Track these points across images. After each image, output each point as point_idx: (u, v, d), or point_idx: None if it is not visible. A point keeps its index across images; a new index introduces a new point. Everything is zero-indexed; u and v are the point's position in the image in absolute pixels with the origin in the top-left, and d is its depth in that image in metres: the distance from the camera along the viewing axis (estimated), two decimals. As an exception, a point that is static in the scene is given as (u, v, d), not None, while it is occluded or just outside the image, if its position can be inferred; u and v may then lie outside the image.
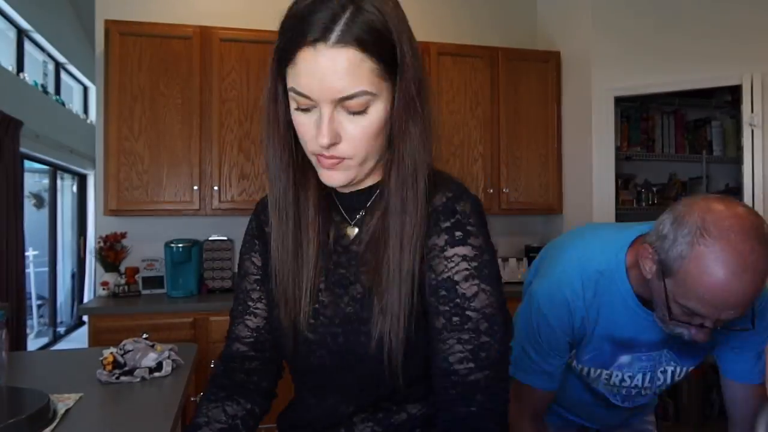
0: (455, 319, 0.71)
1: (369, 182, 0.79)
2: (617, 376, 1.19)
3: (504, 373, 0.73)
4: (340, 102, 0.67)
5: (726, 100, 3.81)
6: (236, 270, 3.42)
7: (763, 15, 2.94)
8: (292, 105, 0.71)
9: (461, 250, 0.72)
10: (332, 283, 0.79)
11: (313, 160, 0.74)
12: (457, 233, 0.73)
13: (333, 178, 0.73)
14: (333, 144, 0.69)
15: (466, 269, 0.72)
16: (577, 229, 1.31)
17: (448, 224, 0.73)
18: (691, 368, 1.20)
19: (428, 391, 0.78)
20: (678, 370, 1.19)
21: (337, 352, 0.78)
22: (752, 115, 2.88)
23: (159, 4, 3.34)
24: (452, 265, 0.72)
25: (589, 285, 1.10)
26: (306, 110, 0.70)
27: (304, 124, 0.71)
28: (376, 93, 0.68)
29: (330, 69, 0.65)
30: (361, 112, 0.68)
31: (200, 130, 3.06)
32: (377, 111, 0.69)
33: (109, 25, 2.98)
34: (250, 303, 0.88)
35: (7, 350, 1.43)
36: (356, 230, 0.80)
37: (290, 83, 0.69)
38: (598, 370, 1.19)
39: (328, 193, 0.81)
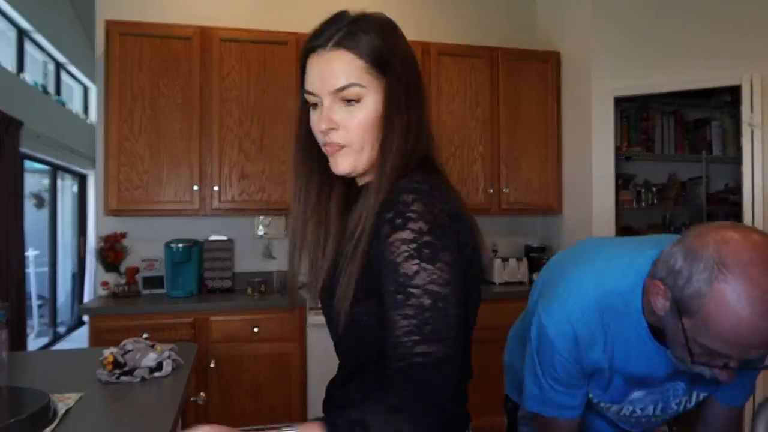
0: (399, 296, 0.74)
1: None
2: (628, 408, 1.15)
3: (454, 350, 0.73)
4: (337, 93, 0.83)
5: (726, 100, 3.81)
6: (235, 270, 3.37)
7: (763, 15, 2.94)
8: (311, 108, 0.89)
9: (400, 234, 0.76)
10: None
11: (326, 152, 0.88)
12: (398, 221, 0.77)
13: (337, 164, 0.87)
14: (330, 129, 0.84)
15: (406, 251, 0.75)
16: (581, 246, 1.24)
17: (390, 215, 0.78)
18: (704, 395, 1.13)
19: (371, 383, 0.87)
20: (693, 397, 1.14)
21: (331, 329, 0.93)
22: (752, 115, 2.88)
23: (159, 5, 3.34)
24: (393, 248, 0.76)
25: (604, 319, 1.04)
26: (315, 106, 0.87)
27: (313, 120, 0.87)
28: (366, 86, 0.83)
29: (327, 67, 0.83)
30: (356, 100, 0.83)
31: (200, 130, 3.06)
32: (369, 103, 0.84)
33: (110, 25, 2.98)
34: None
35: (7, 350, 1.44)
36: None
37: (305, 87, 0.87)
38: (609, 404, 1.14)
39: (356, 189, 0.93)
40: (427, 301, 0.73)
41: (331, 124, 0.84)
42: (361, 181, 0.92)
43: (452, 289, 0.75)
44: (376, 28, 0.84)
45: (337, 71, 0.82)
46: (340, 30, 0.83)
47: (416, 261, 0.74)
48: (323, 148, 0.88)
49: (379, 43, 0.83)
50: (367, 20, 0.85)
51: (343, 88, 0.82)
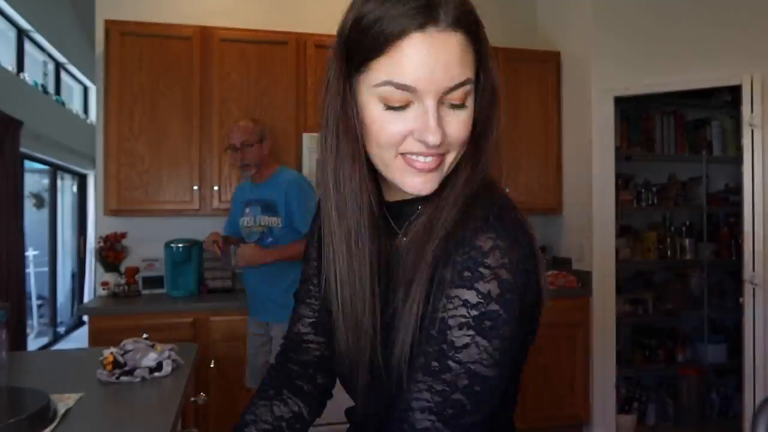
0: (434, 363, 0.62)
1: None
2: (244, 220, 2.51)
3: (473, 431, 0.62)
4: (446, 94, 0.62)
5: (726, 100, 3.81)
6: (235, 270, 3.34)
7: (763, 15, 2.94)
8: (376, 105, 0.64)
9: (464, 293, 0.62)
10: (382, 295, 0.74)
11: (393, 163, 0.67)
12: (466, 274, 0.62)
13: (425, 184, 0.66)
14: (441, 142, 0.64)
15: (463, 317, 0.62)
16: None
17: (459, 258, 0.63)
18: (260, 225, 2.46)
19: None
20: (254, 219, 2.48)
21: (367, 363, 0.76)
22: (752, 116, 2.88)
23: (159, 4, 3.34)
24: (450, 305, 0.62)
25: None
26: (399, 108, 0.63)
27: (392, 122, 0.64)
28: (473, 83, 0.65)
29: (443, 55, 0.60)
30: (461, 105, 0.64)
31: (200, 130, 3.06)
32: (471, 103, 0.65)
33: (109, 25, 2.98)
34: (311, 286, 0.89)
35: (7, 350, 1.44)
36: (404, 240, 0.73)
37: (385, 76, 0.62)
38: (242, 218, 2.54)
39: (377, 203, 0.74)
40: (463, 382, 0.61)
41: (443, 135, 0.63)
42: (401, 195, 0.73)
43: (499, 369, 0.63)
44: (468, 2, 0.65)
45: (454, 62, 0.61)
46: (451, 1, 0.61)
47: (471, 333, 0.61)
48: (399, 161, 0.66)
49: (479, 20, 0.65)
50: None
51: (456, 87, 0.62)
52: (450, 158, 0.67)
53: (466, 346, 0.61)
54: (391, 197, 0.75)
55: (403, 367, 0.66)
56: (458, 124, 0.64)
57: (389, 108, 0.64)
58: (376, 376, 0.73)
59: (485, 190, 0.69)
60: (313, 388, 0.87)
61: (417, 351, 0.65)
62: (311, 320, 0.89)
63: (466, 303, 0.62)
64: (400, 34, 0.60)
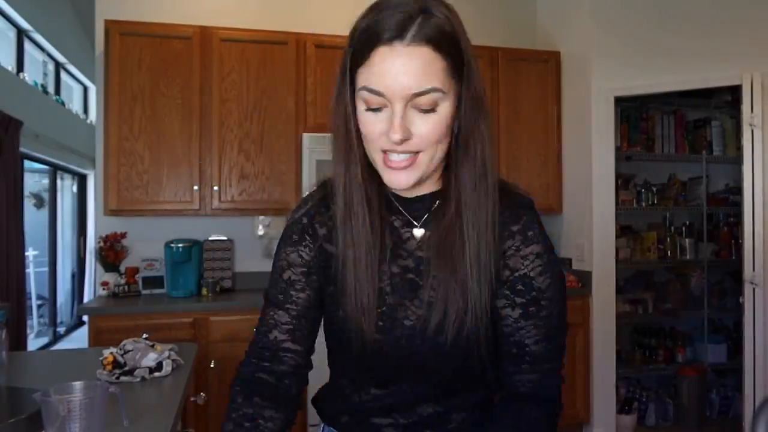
0: (532, 309, 0.81)
1: (430, 188, 0.84)
2: None
3: (563, 349, 0.85)
4: (412, 99, 0.71)
5: (726, 100, 3.81)
6: (235, 270, 3.36)
7: (763, 15, 2.94)
8: (361, 106, 0.75)
9: (534, 248, 0.81)
10: (399, 287, 0.83)
11: (378, 160, 0.77)
12: (530, 233, 0.81)
13: (399, 179, 0.77)
14: (405, 140, 0.73)
15: (540, 265, 0.81)
16: None
17: (518, 227, 0.82)
18: None
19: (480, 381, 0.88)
20: None
21: (407, 354, 0.82)
22: (752, 115, 2.88)
23: (159, 4, 3.34)
24: (528, 262, 0.81)
25: None
26: (376, 110, 0.74)
27: (372, 123, 0.74)
28: (446, 91, 0.72)
29: (405, 66, 0.70)
30: (431, 110, 0.73)
31: (200, 130, 3.05)
32: (445, 109, 0.74)
33: (110, 25, 2.98)
34: (293, 292, 0.87)
35: (7, 350, 1.44)
36: (422, 231, 0.84)
37: (362, 83, 0.73)
38: None
39: (388, 198, 0.85)
40: (554, 311, 0.82)
41: (406, 134, 0.72)
42: (412, 192, 0.83)
43: (565, 295, 0.85)
44: (448, 20, 0.72)
45: (417, 72, 0.70)
46: (415, 20, 0.70)
47: (548, 274, 0.81)
48: (379, 157, 0.76)
49: (458, 40, 0.73)
50: (438, 7, 0.72)
51: (421, 93, 0.71)
52: (424, 157, 0.75)
53: (549, 286, 0.81)
54: (406, 194, 0.85)
55: (481, 334, 0.80)
56: (426, 125, 0.73)
57: (369, 110, 0.74)
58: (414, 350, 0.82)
59: (506, 187, 0.84)
60: (288, 398, 0.88)
61: (506, 308, 0.82)
62: (289, 327, 0.87)
63: (538, 255, 0.81)
64: (373, 47, 0.71)
